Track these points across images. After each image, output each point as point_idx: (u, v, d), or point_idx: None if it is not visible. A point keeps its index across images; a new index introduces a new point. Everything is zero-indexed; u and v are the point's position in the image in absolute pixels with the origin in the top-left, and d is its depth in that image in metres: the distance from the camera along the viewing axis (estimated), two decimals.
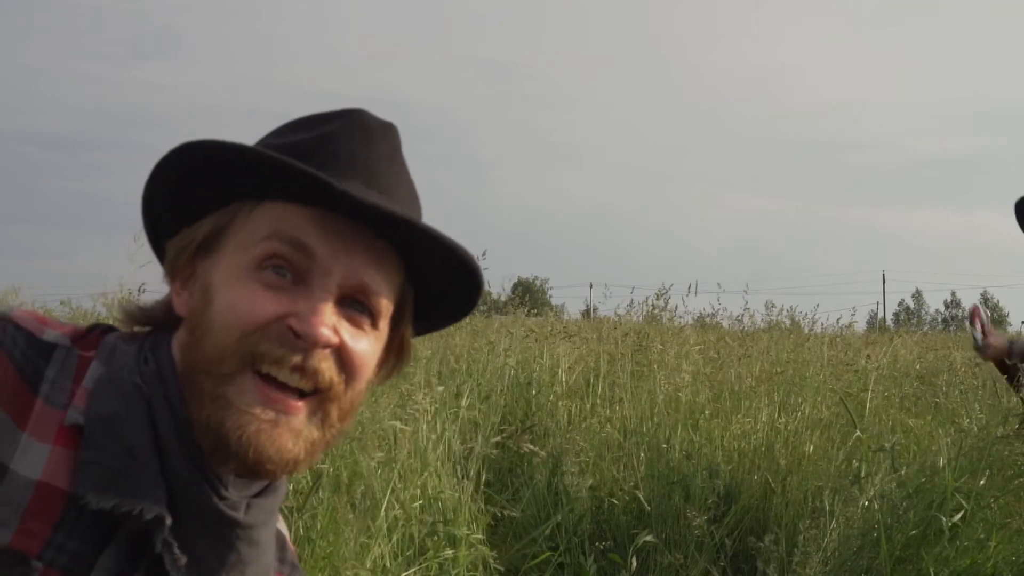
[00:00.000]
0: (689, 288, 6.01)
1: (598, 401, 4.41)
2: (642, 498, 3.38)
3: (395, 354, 0.89)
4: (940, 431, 3.65)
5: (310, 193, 0.77)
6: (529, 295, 6.78)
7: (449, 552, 2.87)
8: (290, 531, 0.98)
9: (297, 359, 0.76)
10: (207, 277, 0.80)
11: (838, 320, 7.77)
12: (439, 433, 3.35)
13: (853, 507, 2.80)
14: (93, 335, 0.83)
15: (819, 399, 4.22)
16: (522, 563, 3.12)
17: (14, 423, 0.75)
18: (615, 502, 3.46)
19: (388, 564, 2.67)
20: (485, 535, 3.12)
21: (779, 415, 3.98)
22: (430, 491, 3.07)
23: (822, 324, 6.91)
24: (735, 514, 3.36)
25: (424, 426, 3.25)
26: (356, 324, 0.81)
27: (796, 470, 3.54)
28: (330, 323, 0.77)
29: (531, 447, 3.56)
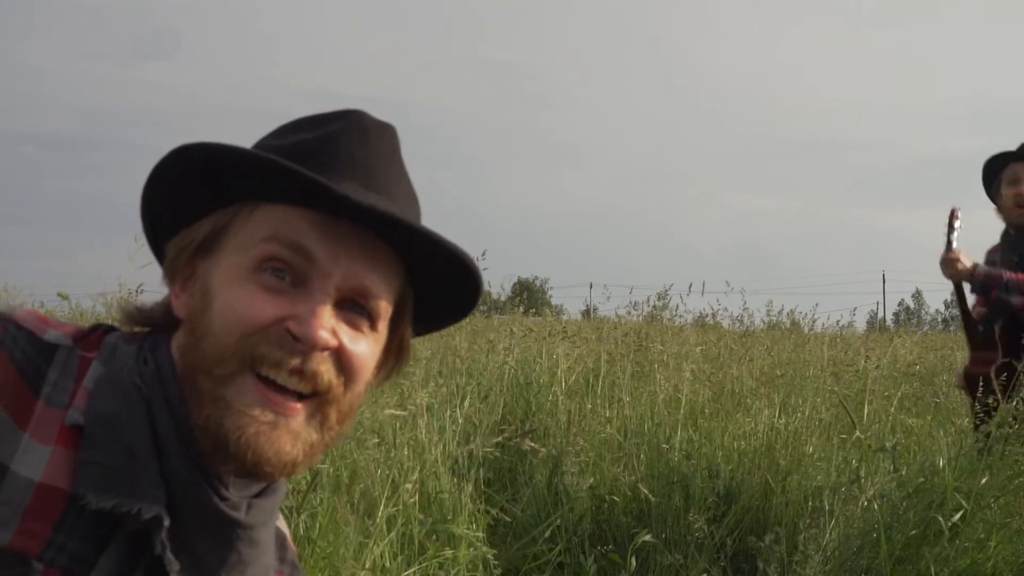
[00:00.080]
0: (690, 288, 6.02)
1: (598, 401, 4.41)
2: (643, 497, 3.38)
3: (394, 355, 0.89)
4: (940, 431, 3.66)
5: (309, 196, 0.77)
6: (528, 295, 6.78)
7: (449, 552, 2.87)
8: (290, 531, 0.98)
9: (296, 362, 0.77)
10: (207, 278, 0.80)
11: (838, 322, 7.78)
12: (438, 432, 3.35)
13: (853, 506, 2.80)
14: (95, 335, 0.83)
15: (819, 400, 4.22)
16: (522, 563, 3.12)
17: (15, 423, 0.75)
18: (616, 499, 3.46)
19: (388, 564, 2.67)
20: (485, 535, 3.12)
21: (779, 416, 3.98)
22: (429, 490, 3.07)
23: (823, 324, 6.92)
24: (735, 514, 3.36)
25: (423, 424, 3.26)
26: (355, 326, 0.81)
27: (796, 470, 3.54)
28: (328, 326, 0.78)
29: (532, 444, 3.56)
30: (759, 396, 4.36)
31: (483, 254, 4.65)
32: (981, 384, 3.09)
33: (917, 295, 52.90)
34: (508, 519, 3.35)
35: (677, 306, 6.14)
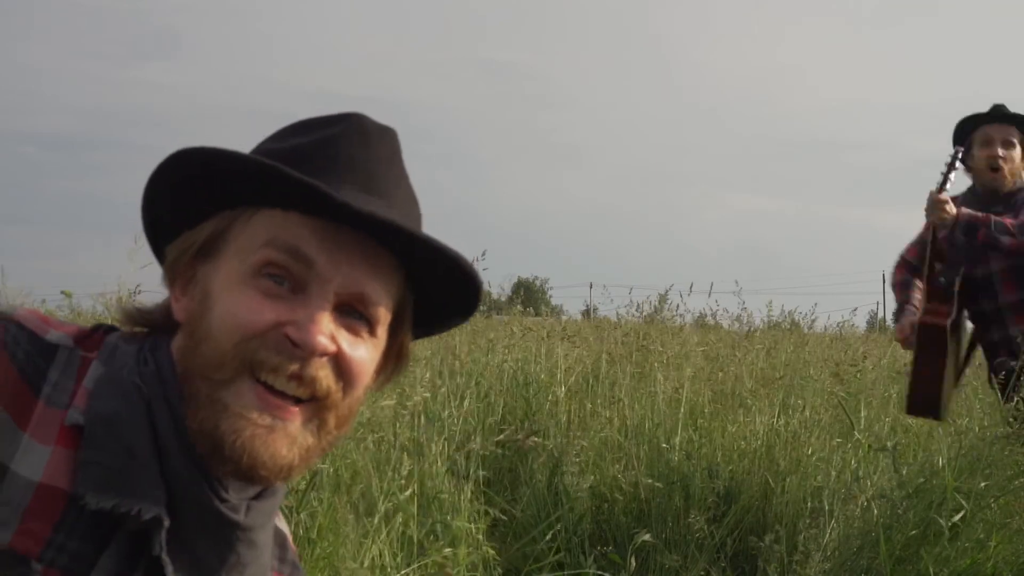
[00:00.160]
0: (691, 288, 6.03)
1: (598, 401, 4.41)
2: (643, 497, 3.38)
3: (394, 360, 0.89)
4: (940, 431, 3.66)
5: (309, 201, 0.77)
6: (526, 295, 6.79)
7: (448, 551, 2.87)
8: (290, 531, 0.98)
9: (294, 367, 0.77)
10: (206, 282, 0.80)
11: (839, 323, 7.78)
12: (437, 432, 3.35)
13: (853, 505, 2.80)
14: (96, 336, 0.83)
15: (818, 402, 4.22)
16: (522, 563, 3.12)
17: (15, 424, 0.75)
18: (618, 497, 3.46)
19: (387, 563, 2.67)
20: (485, 535, 3.12)
21: (779, 416, 3.98)
22: (428, 490, 3.07)
23: (823, 324, 6.92)
24: (735, 514, 3.36)
25: (422, 423, 3.26)
26: (354, 332, 0.81)
27: (795, 470, 3.54)
28: (327, 332, 0.78)
29: (536, 439, 3.57)
30: (759, 396, 4.37)
31: (483, 254, 4.65)
32: (933, 338, 3.08)
33: None
34: (508, 519, 3.35)
35: (678, 306, 6.15)
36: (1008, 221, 3.08)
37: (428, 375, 4.00)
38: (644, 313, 6.10)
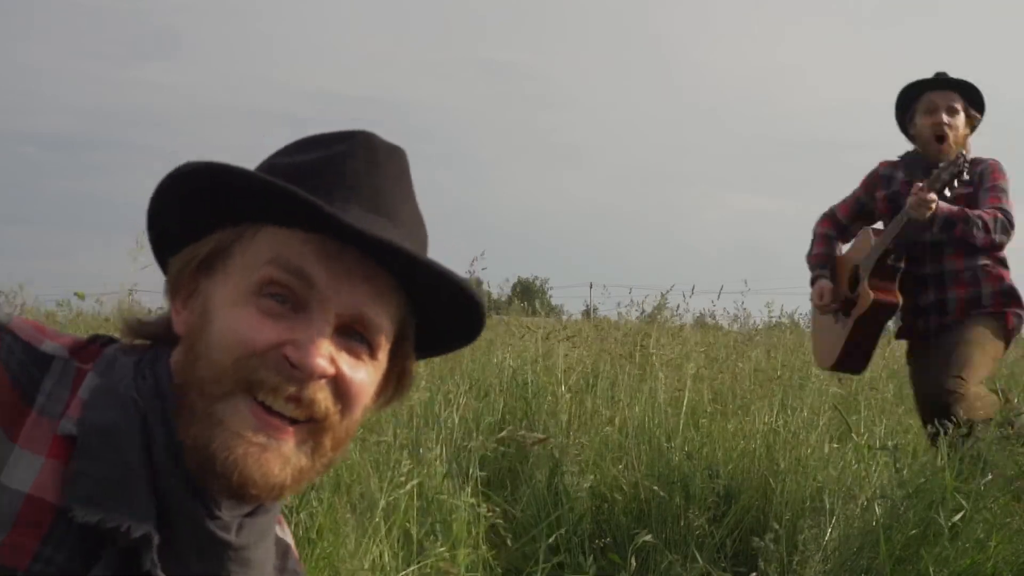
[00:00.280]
0: (692, 290, 6.04)
1: (598, 401, 4.41)
2: (643, 497, 3.38)
3: (395, 383, 0.88)
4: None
5: (313, 220, 0.76)
6: (525, 295, 6.80)
7: (448, 551, 2.87)
8: (292, 534, 0.97)
9: (293, 389, 0.76)
10: (208, 297, 0.80)
11: None
12: (437, 431, 3.35)
13: (853, 504, 2.80)
14: (93, 347, 0.83)
15: (818, 401, 4.22)
16: (522, 563, 3.12)
17: (5, 434, 0.74)
18: (617, 497, 3.46)
19: (387, 564, 2.67)
20: (484, 535, 3.12)
21: (777, 416, 3.98)
22: (428, 490, 3.07)
23: None
24: (735, 514, 3.36)
25: (422, 423, 3.25)
26: (354, 354, 0.80)
27: (795, 469, 3.54)
28: (327, 354, 0.77)
29: (539, 435, 3.58)
30: (758, 396, 4.37)
31: (482, 254, 4.65)
32: (885, 314, 3.25)
33: None
34: (508, 519, 3.34)
35: (678, 306, 6.15)
36: (985, 216, 3.06)
37: (431, 373, 4.00)
38: (645, 313, 6.11)
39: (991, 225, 3.07)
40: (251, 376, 0.75)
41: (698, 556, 3.06)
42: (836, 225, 3.60)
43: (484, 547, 3.03)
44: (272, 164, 0.84)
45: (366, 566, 2.60)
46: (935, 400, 2.98)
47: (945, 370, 3.06)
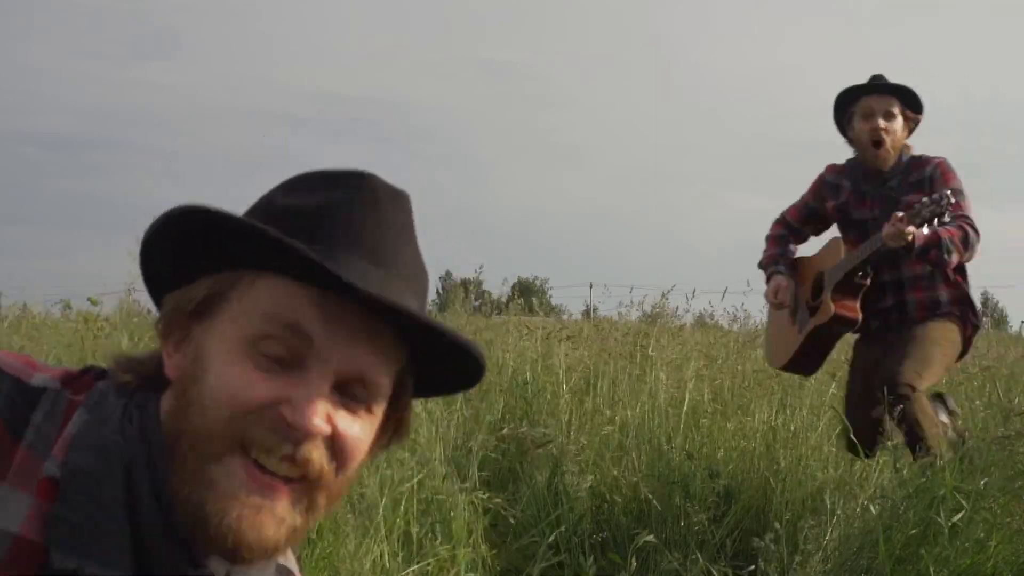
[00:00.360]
0: (694, 293, 6.06)
1: (599, 401, 4.41)
2: (643, 497, 3.38)
3: (391, 433, 0.87)
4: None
5: (313, 275, 0.75)
6: (524, 295, 6.79)
7: (448, 551, 2.87)
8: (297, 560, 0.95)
9: (288, 449, 0.75)
10: (201, 344, 0.78)
11: None
12: (436, 431, 3.35)
13: (853, 503, 2.80)
14: (86, 378, 0.82)
15: (818, 402, 4.22)
16: (522, 563, 3.12)
17: None
18: (617, 499, 3.46)
19: (388, 564, 2.67)
20: (484, 535, 3.12)
21: (777, 416, 3.98)
22: (428, 490, 3.07)
23: None
24: (735, 514, 3.36)
25: (422, 422, 3.25)
26: (351, 410, 0.79)
27: (795, 469, 3.54)
28: (323, 412, 0.75)
29: (543, 431, 3.60)
30: (758, 396, 4.37)
31: (480, 268, 4.67)
32: (842, 327, 3.30)
33: None
34: (508, 519, 3.34)
35: (678, 307, 6.16)
36: (955, 236, 3.06)
37: None
38: (645, 313, 6.11)
39: (961, 245, 3.07)
40: (245, 434, 0.74)
41: (699, 556, 3.06)
42: (788, 227, 3.63)
43: (484, 547, 3.03)
44: (271, 204, 0.82)
45: (366, 566, 2.60)
46: (891, 388, 2.97)
47: (905, 362, 3.05)
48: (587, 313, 13.97)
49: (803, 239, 3.66)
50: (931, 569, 2.50)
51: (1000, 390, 4.10)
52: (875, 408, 3.00)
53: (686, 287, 6.15)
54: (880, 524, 2.64)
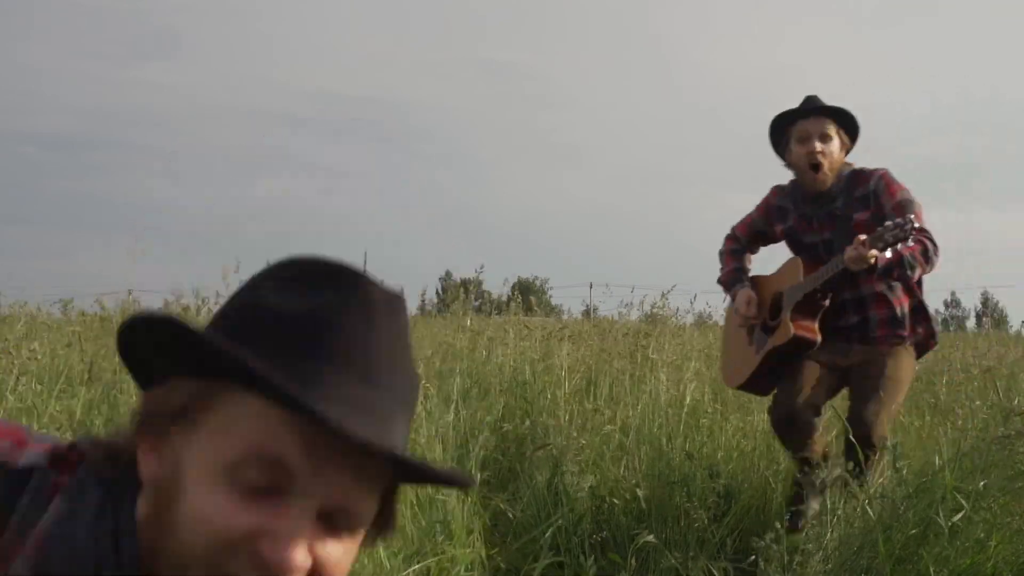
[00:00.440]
0: (695, 297, 6.07)
1: (600, 401, 4.41)
2: (644, 497, 3.37)
3: (377, 531, 0.85)
4: (939, 430, 3.66)
5: (296, 406, 0.71)
6: (523, 295, 6.78)
7: (447, 551, 2.87)
8: None
9: None
10: (179, 455, 0.75)
11: None
12: (436, 431, 3.35)
13: (854, 502, 2.80)
14: (72, 455, 0.80)
15: None
16: (521, 563, 3.12)
17: None
18: (616, 502, 3.46)
19: (387, 563, 2.67)
20: (484, 535, 3.12)
21: None
22: (428, 489, 3.07)
23: None
24: (735, 513, 3.36)
25: (422, 422, 3.25)
26: (334, 535, 0.76)
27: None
28: (305, 546, 0.73)
29: (542, 434, 3.58)
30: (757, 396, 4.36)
31: (480, 268, 4.68)
32: (801, 349, 3.26)
33: None
34: (508, 519, 3.35)
35: (678, 308, 6.17)
36: (916, 253, 3.06)
37: (431, 373, 4.00)
38: (645, 313, 6.11)
39: (922, 258, 3.08)
40: (222, 568, 0.71)
41: (699, 555, 3.06)
42: (738, 242, 3.63)
43: (484, 546, 3.03)
44: (259, 302, 0.77)
45: (366, 566, 2.60)
46: (863, 437, 3.02)
47: (879, 412, 3.08)
48: (587, 313, 13.98)
49: (755, 251, 3.68)
50: (931, 569, 2.50)
51: (1000, 390, 4.09)
52: (813, 418, 3.16)
53: (687, 287, 6.16)
54: (880, 524, 2.64)
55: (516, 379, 4.69)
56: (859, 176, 3.28)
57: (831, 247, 3.20)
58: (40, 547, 0.73)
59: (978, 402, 3.86)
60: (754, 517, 3.42)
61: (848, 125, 3.33)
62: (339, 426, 0.69)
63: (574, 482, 3.36)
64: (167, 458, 0.76)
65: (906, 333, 3.26)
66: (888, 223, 2.96)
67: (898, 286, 3.23)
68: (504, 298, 7.49)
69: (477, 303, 8.42)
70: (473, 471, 3.29)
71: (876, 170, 3.28)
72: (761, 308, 3.46)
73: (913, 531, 2.61)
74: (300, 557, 0.72)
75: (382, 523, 0.83)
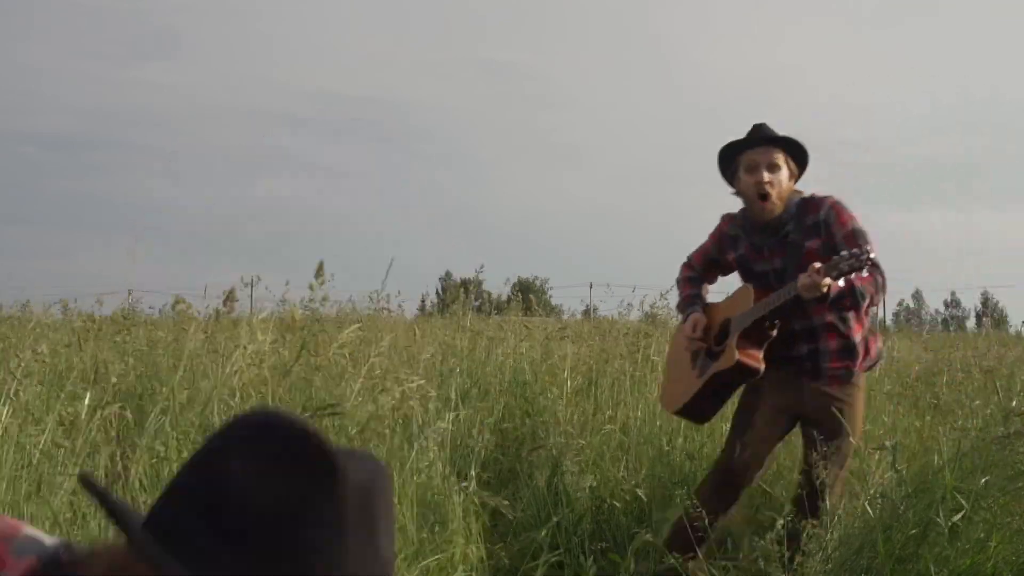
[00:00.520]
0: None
1: (600, 401, 4.41)
2: (644, 497, 3.38)
3: None
4: (939, 430, 3.66)
5: None
6: (523, 296, 6.76)
7: (447, 551, 2.87)
8: None
9: None
10: None
11: None
12: (437, 431, 3.35)
13: (855, 502, 2.80)
14: None
15: None
16: (521, 563, 3.12)
17: None
18: (616, 504, 3.46)
19: None
20: (484, 535, 3.12)
21: None
22: (428, 490, 3.07)
23: None
24: (735, 514, 3.36)
25: (422, 422, 3.25)
26: None
27: (795, 469, 3.54)
28: None
29: (546, 424, 3.57)
30: None
31: (480, 268, 4.67)
32: (743, 376, 3.21)
33: (917, 295, 52.87)
34: (508, 519, 3.35)
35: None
36: (867, 284, 3.05)
37: (431, 373, 4.00)
38: (645, 313, 6.11)
39: (872, 287, 3.07)
40: None
41: (699, 555, 3.05)
42: (693, 270, 3.62)
43: (483, 546, 3.03)
44: (223, 478, 0.73)
45: None
46: (816, 489, 2.94)
47: (832, 467, 2.99)
48: (587, 313, 13.98)
49: (712, 281, 3.66)
50: (931, 569, 2.50)
51: (1000, 390, 4.10)
52: (755, 474, 3.20)
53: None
54: (880, 524, 2.64)
55: (516, 379, 4.69)
56: (808, 204, 3.25)
57: (782, 275, 3.17)
58: None
59: (978, 402, 3.87)
60: (754, 517, 3.42)
61: (796, 154, 3.32)
62: None
63: (574, 482, 3.36)
64: None
65: (856, 366, 3.23)
66: (844, 252, 2.95)
67: (850, 316, 3.20)
68: (504, 298, 7.48)
69: (477, 303, 8.43)
70: (473, 471, 3.29)
71: (825, 198, 3.24)
72: (708, 333, 3.41)
73: (913, 531, 2.61)
74: None
75: None
